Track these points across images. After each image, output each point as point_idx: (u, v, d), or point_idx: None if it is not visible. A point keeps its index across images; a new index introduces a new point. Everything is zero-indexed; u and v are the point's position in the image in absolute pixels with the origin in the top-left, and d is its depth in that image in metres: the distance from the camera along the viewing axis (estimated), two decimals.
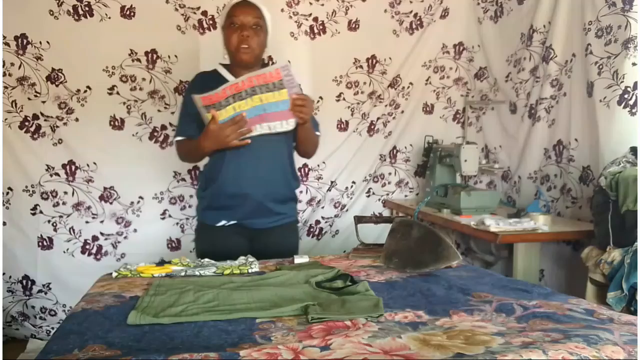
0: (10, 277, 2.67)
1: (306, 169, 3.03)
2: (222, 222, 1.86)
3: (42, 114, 2.64)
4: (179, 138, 1.88)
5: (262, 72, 1.68)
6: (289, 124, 1.73)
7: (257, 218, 1.85)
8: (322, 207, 3.12)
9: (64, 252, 2.73)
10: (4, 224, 2.61)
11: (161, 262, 1.67)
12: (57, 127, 2.66)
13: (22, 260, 2.67)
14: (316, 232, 3.13)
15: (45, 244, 2.71)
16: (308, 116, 1.74)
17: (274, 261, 1.70)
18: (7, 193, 2.63)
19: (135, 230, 2.83)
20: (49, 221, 2.70)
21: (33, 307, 2.72)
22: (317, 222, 3.12)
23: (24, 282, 2.69)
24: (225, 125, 1.67)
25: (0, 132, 2.54)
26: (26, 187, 2.65)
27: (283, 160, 1.86)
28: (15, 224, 2.65)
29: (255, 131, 1.71)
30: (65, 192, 2.71)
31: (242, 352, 0.92)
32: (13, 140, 2.60)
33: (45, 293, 2.72)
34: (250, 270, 1.54)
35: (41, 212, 2.69)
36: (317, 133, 1.94)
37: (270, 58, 2.86)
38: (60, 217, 2.71)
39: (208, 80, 1.84)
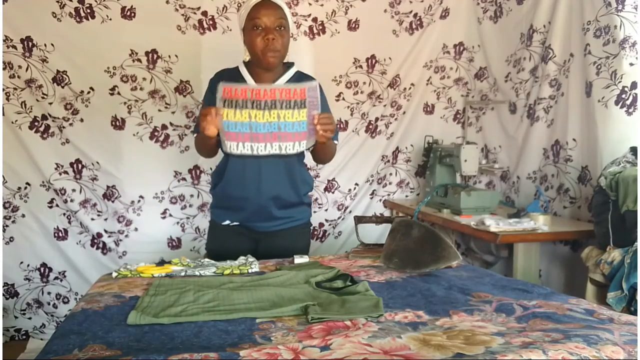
0: (28, 265, 2.76)
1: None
2: (227, 222, 1.87)
3: (49, 115, 2.67)
4: (195, 135, 1.87)
5: (289, 86, 1.64)
6: (300, 146, 1.66)
7: (260, 221, 1.83)
8: (326, 210, 3.11)
9: (77, 243, 2.81)
10: (23, 216, 2.72)
11: (161, 262, 1.67)
12: (64, 127, 2.69)
13: (41, 249, 2.76)
14: (320, 235, 3.13)
15: (60, 234, 2.78)
16: (331, 135, 1.66)
17: (274, 261, 1.70)
18: (25, 188, 2.71)
19: (136, 229, 2.85)
20: (64, 214, 2.78)
21: (49, 293, 2.81)
22: (321, 224, 3.12)
23: (42, 269, 2.78)
24: (205, 112, 1.62)
25: (0, 130, 2.56)
26: (42, 182, 2.72)
27: (290, 165, 1.81)
28: (33, 216, 2.73)
29: (261, 150, 1.65)
30: (74, 190, 2.76)
31: (242, 352, 0.92)
32: (25, 139, 2.65)
33: (61, 280, 2.81)
34: (250, 271, 1.54)
35: (57, 205, 2.76)
36: (335, 142, 1.89)
37: None
38: (71, 212, 2.77)
39: (227, 77, 1.82)
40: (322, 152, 1.85)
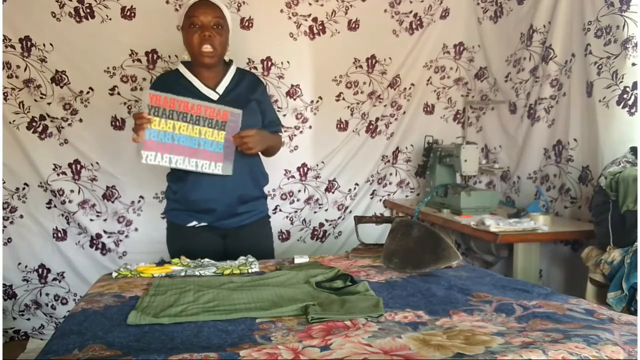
0: (26, 266, 2.75)
1: (305, 169, 3.03)
2: (193, 223, 1.88)
3: (48, 115, 2.67)
4: None
5: (213, 106, 1.71)
6: (217, 168, 1.74)
7: (227, 219, 1.87)
8: (326, 210, 3.12)
9: (76, 244, 2.80)
10: (21, 216, 2.71)
11: (161, 262, 1.68)
12: (63, 127, 2.69)
13: (39, 250, 2.76)
14: (320, 235, 3.13)
15: (59, 235, 2.78)
16: (254, 146, 1.77)
17: (274, 261, 1.71)
18: (24, 188, 2.70)
19: (136, 229, 2.85)
20: (62, 214, 2.77)
21: (47, 294, 2.80)
22: (321, 224, 3.12)
23: (40, 270, 2.78)
24: (137, 116, 1.66)
25: (0, 130, 2.56)
26: (40, 183, 2.71)
27: (250, 162, 1.88)
28: (31, 216, 2.72)
29: (179, 163, 1.71)
30: (72, 190, 2.75)
31: (242, 352, 0.92)
32: (23, 139, 2.64)
33: (60, 281, 2.80)
34: (250, 270, 1.54)
35: (55, 206, 2.76)
36: (280, 134, 2.01)
37: (269, 59, 2.87)
38: (69, 213, 2.76)
39: (169, 81, 1.84)
40: (270, 152, 1.98)
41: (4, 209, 2.68)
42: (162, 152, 1.68)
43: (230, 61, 1.92)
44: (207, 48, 1.75)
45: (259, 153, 1.95)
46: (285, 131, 2.92)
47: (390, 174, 3.25)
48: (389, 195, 3.26)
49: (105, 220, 2.80)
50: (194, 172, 1.78)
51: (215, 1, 1.80)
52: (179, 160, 1.70)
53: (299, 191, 3.04)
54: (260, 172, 1.97)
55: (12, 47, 2.57)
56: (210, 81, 1.85)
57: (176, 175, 1.88)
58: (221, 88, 1.85)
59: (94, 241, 2.81)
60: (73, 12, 2.62)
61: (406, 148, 3.25)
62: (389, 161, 3.22)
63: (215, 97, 1.82)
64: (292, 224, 3.06)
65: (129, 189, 2.80)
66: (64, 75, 2.65)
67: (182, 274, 1.51)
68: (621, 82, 2.15)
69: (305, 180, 3.05)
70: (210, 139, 1.71)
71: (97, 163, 2.74)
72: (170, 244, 1.96)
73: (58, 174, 2.71)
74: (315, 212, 3.10)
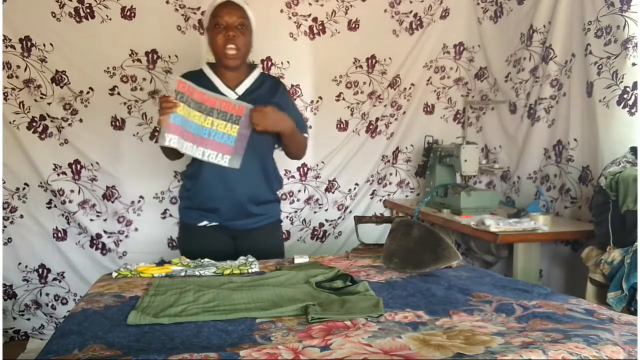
0: (26, 266, 2.76)
1: (305, 169, 3.03)
2: (204, 223, 1.88)
3: (48, 115, 2.67)
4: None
5: (228, 100, 1.72)
6: (223, 159, 1.74)
7: (239, 219, 1.86)
8: (326, 210, 3.12)
9: (76, 244, 2.81)
10: (21, 216, 2.71)
11: (161, 262, 1.68)
12: (63, 127, 2.69)
13: (39, 250, 2.76)
14: (320, 235, 3.13)
15: (60, 235, 2.78)
16: (259, 122, 1.71)
17: (274, 261, 1.71)
18: (24, 188, 2.70)
19: (136, 229, 2.85)
20: (62, 214, 2.77)
21: (47, 294, 2.80)
22: (321, 224, 3.12)
23: (40, 270, 2.78)
24: (163, 99, 1.65)
25: (0, 130, 2.56)
26: (41, 183, 2.71)
27: (264, 163, 1.87)
28: (32, 216, 2.73)
29: (188, 149, 1.69)
30: (72, 190, 2.75)
31: (242, 352, 0.92)
32: (23, 139, 2.64)
33: (60, 281, 2.80)
34: (250, 270, 1.54)
35: (55, 206, 2.76)
36: (305, 135, 1.94)
37: (269, 59, 2.88)
38: (69, 213, 2.76)
39: (192, 79, 1.84)
40: (289, 144, 1.89)
41: (4, 209, 2.67)
42: (181, 137, 1.68)
43: (255, 65, 1.92)
44: (231, 48, 1.76)
45: (285, 154, 1.94)
46: None
47: (390, 174, 3.25)
48: (389, 195, 3.27)
49: (105, 220, 2.81)
50: (207, 170, 1.78)
51: (240, 2, 1.81)
52: (188, 146, 1.70)
53: (299, 191, 3.04)
54: (274, 175, 1.94)
55: (12, 47, 2.58)
56: (231, 82, 1.85)
57: (190, 173, 1.88)
58: (241, 89, 1.84)
59: (94, 241, 2.81)
60: (73, 12, 2.62)
61: (406, 148, 3.25)
62: (389, 161, 3.22)
63: (234, 97, 1.82)
64: (292, 224, 3.06)
65: (129, 189, 2.80)
66: (64, 75, 2.65)
67: (182, 274, 1.51)
68: (621, 82, 2.15)
69: (305, 180, 3.05)
70: (222, 131, 1.72)
71: (97, 163, 2.75)
72: (182, 243, 1.97)
73: (58, 174, 2.72)
74: (315, 212, 3.10)
